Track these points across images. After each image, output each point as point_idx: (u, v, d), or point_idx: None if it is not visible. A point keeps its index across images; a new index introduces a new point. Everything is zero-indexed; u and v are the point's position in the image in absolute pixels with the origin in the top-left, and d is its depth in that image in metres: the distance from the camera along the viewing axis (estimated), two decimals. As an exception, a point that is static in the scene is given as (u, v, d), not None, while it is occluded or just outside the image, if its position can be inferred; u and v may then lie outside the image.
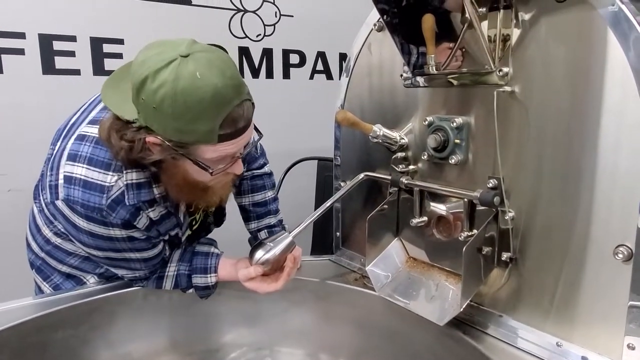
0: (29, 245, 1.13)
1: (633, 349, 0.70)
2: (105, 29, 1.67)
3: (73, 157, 0.89)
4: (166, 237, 1.01)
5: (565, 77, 0.75)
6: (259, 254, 0.96)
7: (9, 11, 1.51)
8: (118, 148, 0.80)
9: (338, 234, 1.27)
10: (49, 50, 1.58)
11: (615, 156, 0.69)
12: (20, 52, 1.55)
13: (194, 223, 1.12)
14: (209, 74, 0.74)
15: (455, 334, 0.90)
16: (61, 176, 0.88)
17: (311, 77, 2.20)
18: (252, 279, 0.99)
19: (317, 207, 1.51)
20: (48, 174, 0.92)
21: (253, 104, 0.85)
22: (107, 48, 1.68)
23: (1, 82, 1.52)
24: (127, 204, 0.88)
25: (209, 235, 1.21)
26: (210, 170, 0.84)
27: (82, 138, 0.90)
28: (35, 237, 1.10)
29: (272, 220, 1.22)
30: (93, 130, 0.89)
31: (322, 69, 2.22)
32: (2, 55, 1.51)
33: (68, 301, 1.01)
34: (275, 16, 2.06)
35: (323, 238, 1.34)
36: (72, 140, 0.91)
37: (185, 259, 1.06)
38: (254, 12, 2.00)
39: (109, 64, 1.69)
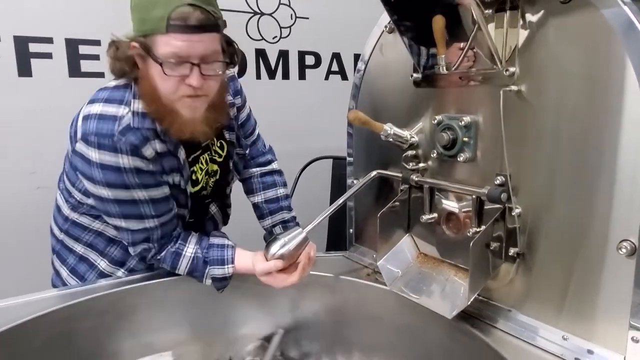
0: (51, 231, 1.22)
1: (637, 342, 0.72)
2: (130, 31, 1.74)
3: (92, 101, 1.01)
4: (170, 181, 1.06)
5: (570, 76, 0.77)
6: (275, 248, 1.00)
7: (38, 17, 1.60)
8: (112, 60, 0.99)
9: (351, 230, 1.30)
10: (75, 54, 1.66)
11: (617, 153, 0.71)
12: (48, 56, 1.63)
13: (199, 188, 1.16)
14: None
15: (464, 327, 0.92)
16: (80, 119, 0.99)
17: (326, 78, 2.26)
18: (269, 273, 1.03)
19: (332, 204, 1.54)
20: (69, 132, 1.02)
21: (220, 24, 0.95)
22: (130, 51, 1.75)
23: (30, 85, 1.61)
24: (134, 127, 0.97)
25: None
26: (165, 69, 0.91)
27: (101, 89, 1.05)
28: (56, 219, 1.19)
29: (285, 215, 1.26)
30: (111, 84, 1.05)
31: (337, 69, 2.27)
32: (32, 60, 1.60)
33: (94, 292, 1.07)
34: (291, 18, 2.12)
35: (338, 235, 1.38)
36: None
37: (203, 245, 1.09)
38: (270, 14, 2.06)
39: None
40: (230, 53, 1.01)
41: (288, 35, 2.12)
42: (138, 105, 0.99)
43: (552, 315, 0.83)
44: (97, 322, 1.06)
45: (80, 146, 0.97)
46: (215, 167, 1.19)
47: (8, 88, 1.58)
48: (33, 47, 1.60)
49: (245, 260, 1.07)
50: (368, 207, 1.23)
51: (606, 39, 0.71)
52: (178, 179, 1.07)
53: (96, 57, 1.70)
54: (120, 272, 1.18)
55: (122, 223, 1.04)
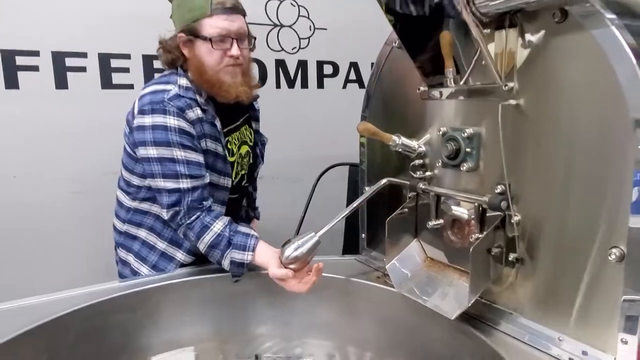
0: (114, 228, 1.40)
1: (626, 343, 0.75)
2: (155, 47, 1.85)
3: (145, 87, 1.27)
4: (211, 148, 1.27)
5: (564, 91, 0.81)
6: (289, 251, 1.07)
7: (73, 33, 1.72)
8: (163, 53, 1.28)
9: (363, 235, 1.36)
10: (107, 68, 1.78)
11: (606, 165, 0.75)
12: (83, 69, 1.75)
13: (235, 163, 1.37)
14: None
15: (467, 329, 0.97)
16: (136, 102, 1.24)
17: (344, 87, 2.32)
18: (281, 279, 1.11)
19: (348, 216, 1.60)
20: (126, 119, 1.28)
21: (243, 9, 1.27)
22: (157, 64, 1.85)
23: (66, 97, 1.73)
24: (180, 95, 1.22)
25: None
26: (213, 45, 1.20)
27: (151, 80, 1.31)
28: (118, 214, 1.38)
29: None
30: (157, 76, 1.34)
31: (355, 78, 2.33)
32: (68, 73, 1.72)
33: (125, 289, 1.16)
34: (310, 30, 2.19)
35: (354, 239, 1.44)
36: None
37: (232, 227, 1.19)
38: (289, 26, 2.14)
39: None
40: (251, 35, 1.30)
41: (307, 45, 2.19)
42: (182, 82, 1.24)
43: (549, 317, 0.88)
44: (126, 317, 1.15)
45: (138, 120, 1.21)
46: (247, 148, 1.42)
47: (46, 100, 1.70)
48: (69, 62, 1.72)
49: (264, 255, 1.15)
50: (380, 213, 1.28)
51: (596, 57, 0.75)
52: (214, 145, 1.28)
53: (126, 70, 1.81)
54: (180, 254, 1.32)
55: (161, 183, 1.20)
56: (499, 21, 0.88)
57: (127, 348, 1.15)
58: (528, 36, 0.86)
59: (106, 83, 1.79)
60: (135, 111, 1.22)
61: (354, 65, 2.32)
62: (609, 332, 0.78)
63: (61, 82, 1.72)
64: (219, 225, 1.19)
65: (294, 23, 2.16)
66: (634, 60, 0.71)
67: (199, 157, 1.23)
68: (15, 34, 1.63)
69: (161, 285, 1.20)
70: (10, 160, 1.69)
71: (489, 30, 0.89)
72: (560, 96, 0.82)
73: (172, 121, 1.19)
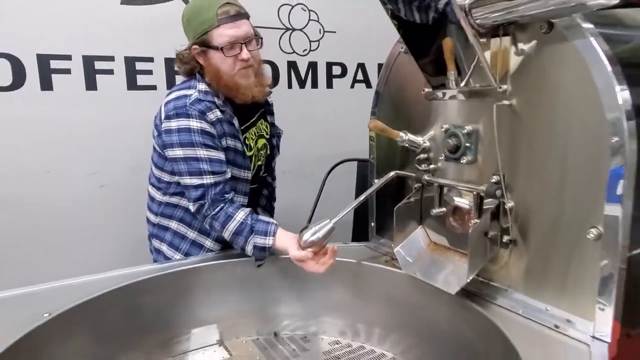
0: (148, 221, 1.52)
1: (603, 310, 0.87)
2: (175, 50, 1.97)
3: (168, 94, 1.39)
4: (231, 145, 1.38)
5: (551, 92, 0.93)
6: (307, 236, 1.19)
7: (102, 38, 1.83)
8: (181, 65, 1.40)
9: (373, 224, 1.48)
10: (132, 70, 1.89)
11: (585, 158, 0.87)
12: (110, 72, 1.86)
13: (255, 159, 1.49)
14: None
15: (467, 304, 1.08)
16: (162, 108, 1.36)
17: (352, 86, 2.42)
18: (301, 260, 1.22)
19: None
20: (154, 123, 1.41)
21: (247, 14, 1.36)
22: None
23: (95, 98, 1.84)
24: (200, 99, 1.34)
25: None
26: (225, 53, 1.30)
27: (173, 87, 1.44)
28: (150, 208, 1.50)
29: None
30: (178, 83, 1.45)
31: (362, 78, 2.44)
32: (97, 75, 1.83)
33: (158, 272, 1.27)
34: (320, 33, 2.30)
35: (363, 228, 1.56)
36: None
37: (253, 217, 1.31)
38: (300, 30, 2.25)
39: (178, 79, 1.99)
40: (258, 35, 1.41)
41: (317, 48, 2.29)
42: (202, 87, 1.36)
43: (538, 291, 0.99)
44: (159, 296, 1.26)
45: (165, 124, 1.33)
46: (264, 141, 1.54)
47: (77, 100, 1.81)
48: (98, 65, 1.83)
49: (284, 240, 1.26)
50: (387, 203, 1.40)
51: (577, 64, 0.86)
52: (233, 142, 1.40)
53: (150, 72, 1.92)
54: (208, 242, 1.45)
55: (187, 180, 1.32)
56: (494, 31, 1.00)
57: (159, 323, 1.26)
58: (520, 44, 0.97)
59: (131, 84, 1.90)
60: (162, 116, 1.34)
61: (361, 66, 2.42)
62: (588, 302, 0.89)
63: (91, 84, 1.83)
64: (242, 214, 1.30)
65: (305, 27, 2.26)
66: (608, 67, 0.82)
67: (220, 155, 1.34)
68: (50, 40, 1.74)
69: (190, 268, 1.32)
70: (45, 156, 1.80)
71: (485, 40, 1.00)
72: (547, 97, 0.93)
73: (194, 123, 1.31)
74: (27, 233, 1.80)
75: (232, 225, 1.30)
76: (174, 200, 1.45)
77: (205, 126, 1.32)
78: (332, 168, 2.08)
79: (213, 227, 1.34)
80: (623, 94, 0.81)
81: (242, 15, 1.34)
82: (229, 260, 1.37)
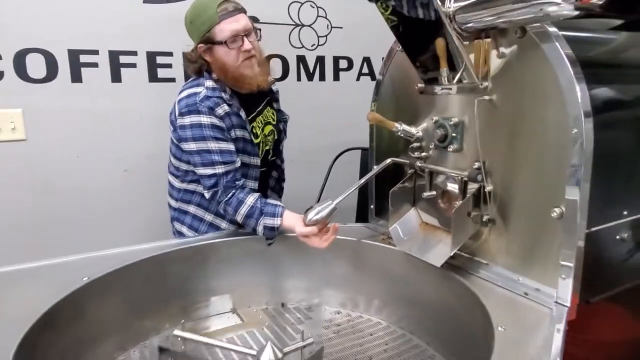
0: (169, 206, 1.68)
1: (564, 279, 1.01)
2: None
3: (180, 92, 1.52)
4: (240, 135, 1.51)
5: (525, 89, 1.05)
6: (311, 215, 1.33)
7: (126, 35, 1.97)
8: (189, 64, 1.54)
9: (372, 206, 1.62)
10: (154, 64, 2.03)
11: (552, 146, 1.00)
12: (133, 65, 2.00)
13: (262, 145, 1.63)
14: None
15: (453, 277, 1.20)
16: (176, 106, 1.49)
17: (357, 79, 2.52)
18: (306, 236, 1.36)
19: (360, 192, 1.87)
20: (170, 120, 1.55)
21: (243, 8, 1.48)
22: (194, 60, 2.12)
23: (120, 89, 1.99)
24: (208, 96, 1.46)
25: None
26: (228, 46, 1.43)
27: (183, 85, 1.57)
28: (171, 194, 1.66)
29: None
30: (188, 82, 1.58)
31: (367, 71, 2.54)
32: (121, 69, 1.98)
33: (179, 246, 1.42)
34: (327, 28, 2.40)
35: (365, 210, 1.70)
36: None
37: (262, 200, 1.44)
38: (309, 26, 2.36)
39: (194, 72, 2.14)
40: (256, 28, 1.53)
41: (324, 43, 2.39)
42: (209, 83, 1.49)
43: (512, 264, 1.12)
44: (181, 268, 1.40)
45: (179, 120, 1.47)
46: (271, 127, 1.67)
47: (104, 91, 1.95)
48: (122, 59, 1.96)
49: (291, 219, 1.40)
50: (385, 187, 1.53)
51: (545, 64, 0.99)
52: (242, 132, 1.53)
53: (169, 66, 2.06)
54: (224, 223, 1.61)
55: (201, 170, 1.46)
56: (477, 34, 1.13)
57: (181, 291, 1.41)
58: (499, 47, 1.10)
59: (152, 77, 2.04)
60: (176, 113, 1.48)
61: (366, 60, 2.52)
62: (553, 272, 1.02)
63: (116, 77, 1.97)
64: (252, 199, 1.44)
65: (313, 23, 2.36)
66: (570, 68, 0.95)
67: (230, 146, 1.47)
68: (80, 36, 1.88)
69: (208, 244, 1.46)
70: (75, 142, 1.95)
71: (467, 43, 1.13)
72: (522, 93, 1.06)
73: (205, 119, 1.44)
74: (60, 211, 1.97)
75: (243, 209, 1.44)
76: (192, 187, 1.60)
77: (215, 121, 1.45)
78: (338, 156, 2.21)
79: (226, 211, 1.48)
80: (581, 91, 0.94)
81: (239, 10, 1.46)
82: (242, 238, 1.51)
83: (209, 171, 1.45)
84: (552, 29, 0.99)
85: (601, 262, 1.04)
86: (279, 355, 1.08)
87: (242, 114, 1.53)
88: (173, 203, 1.67)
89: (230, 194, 1.45)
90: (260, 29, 1.54)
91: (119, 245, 1.38)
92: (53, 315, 1.04)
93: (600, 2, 0.85)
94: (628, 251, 1.08)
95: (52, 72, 1.88)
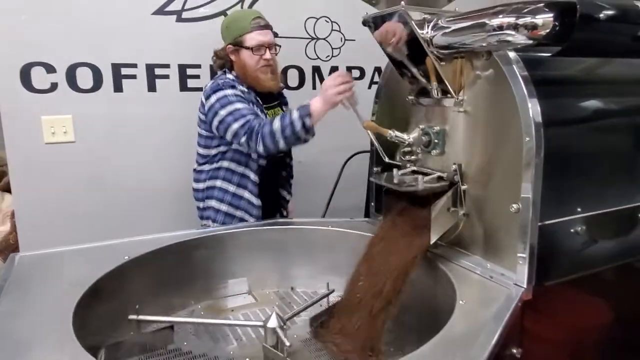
0: (196, 198, 1.97)
1: (521, 264, 1.18)
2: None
3: (206, 86, 1.85)
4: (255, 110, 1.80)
5: (491, 102, 1.24)
6: None
7: (161, 50, 2.23)
8: (217, 59, 1.91)
9: (372, 203, 1.82)
10: (184, 75, 2.29)
11: (511, 151, 1.18)
12: (166, 77, 2.27)
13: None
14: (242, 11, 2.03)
15: (435, 263, 1.38)
16: (203, 95, 1.82)
17: (369, 87, 2.70)
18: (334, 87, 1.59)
19: (369, 190, 2.06)
20: (199, 111, 1.89)
21: (271, 26, 1.87)
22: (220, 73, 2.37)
23: (155, 98, 2.25)
24: (230, 80, 1.82)
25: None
26: (253, 52, 1.78)
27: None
28: (198, 178, 1.95)
29: None
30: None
31: (378, 80, 2.75)
32: (156, 80, 2.25)
33: (204, 234, 1.65)
34: (341, 41, 2.61)
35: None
36: None
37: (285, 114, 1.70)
38: (324, 39, 2.57)
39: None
40: (277, 44, 1.89)
41: (338, 54, 2.62)
42: (230, 76, 1.85)
43: (484, 251, 1.30)
44: (205, 253, 1.61)
45: (207, 104, 1.78)
46: None
47: (141, 100, 2.21)
48: (157, 71, 2.22)
49: (315, 99, 1.65)
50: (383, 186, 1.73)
51: (504, 83, 1.17)
52: (258, 111, 1.82)
53: (197, 77, 2.31)
54: (247, 193, 1.90)
55: (234, 125, 1.70)
56: (454, 55, 1.32)
57: (204, 273, 1.62)
58: (471, 64, 1.29)
59: (183, 87, 2.29)
60: (203, 100, 1.79)
61: (377, 70, 2.70)
62: (513, 258, 1.20)
63: (151, 87, 2.23)
64: (277, 119, 1.67)
65: (328, 36, 2.57)
66: (523, 86, 1.13)
67: (253, 108, 1.78)
68: (121, 52, 2.15)
69: (228, 232, 1.68)
70: (117, 144, 2.22)
71: (444, 63, 1.32)
72: (489, 106, 1.25)
73: (228, 91, 1.75)
74: (104, 202, 2.25)
75: (277, 122, 1.66)
76: (218, 165, 1.89)
77: (237, 92, 1.77)
78: (349, 159, 2.38)
79: (263, 137, 1.65)
80: (533, 106, 1.12)
81: (268, 26, 1.85)
82: (258, 228, 1.73)
83: (241, 122, 1.69)
84: (512, 54, 1.17)
85: (556, 251, 1.21)
86: (282, 323, 1.29)
87: (259, 100, 1.86)
88: (201, 186, 1.94)
89: (259, 124, 1.68)
90: (280, 45, 1.89)
91: (151, 233, 1.61)
92: (100, 286, 1.28)
93: (544, 34, 1.04)
94: (582, 243, 1.25)
95: (97, 83, 2.16)
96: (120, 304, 1.35)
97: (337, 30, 2.60)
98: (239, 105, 1.73)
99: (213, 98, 1.75)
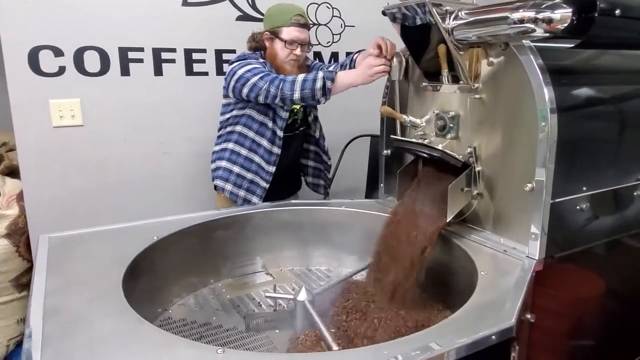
0: (213, 159, 2.05)
1: (534, 239, 1.29)
2: (224, 43, 2.39)
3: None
4: None
5: (506, 89, 1.33)
6: None
7: (167, 34, 2.25)
8: (252, 42, 1.99)
9: (382, 184, 1.91)
10: (190, 59, 2.31)
11: (526, 134, 1.29)
12: (172, 61, 2.28)
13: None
14: (288, 4, 1.94)
15: (450, 239, 1.47)
16: (228, 68, 1.90)
17: (369, 73, 2.81)
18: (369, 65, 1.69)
19: (369, 173, 2.14)
20: (225, 86, 1.94)
21: (309, 26, 1.97)
22: (225, 56, 2.39)
23: (161, 82, 2.27)
24: (257, 56, 1.92)
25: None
26: (286, 45, 1.88)
27: None
28: (212, 157, 2.04)
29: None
30: None
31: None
32: (163, 64, 2.27)
33: (223, 215, 1.71)
34: (341, 27, 2.67)
35: (373, 189, 1.98)
36: None
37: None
38: (325, 25, 2.63)
39: (225, 67, 2.41)
40: (311, 44, 1.99)
41: (339, 40, 2.67)
42: (260, 59, 1.92)
43: (496, 228, 1.41)
44: (225, 233, 1.68)
45: (231, 70, 1.85)
46: (298, 106, 2.02)
47: (148, 83, 2.23)
48: (163, 55, 2.24)
49: (344, 73, 1.79)
50: (393, 168, 1.82)
51: (521, 71, 1.26)
52: None
53: (203, 61, 2.34)
54: (257, 157, 1.96)
55: (255, 78, 1.78)
56: (470, 44, 1.40)
57: (224, 252, 1.69)
58: (488, 56, 1.38)
59: (189, 71, 2.31)
60: (229, 71, 1.87)
61: (376, 56, 2.81)
62: (526, 233, 1.30)
63: (158, 71, 2.25)
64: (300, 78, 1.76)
65: (329, 22, 2.62)
66: (540, 75, 1.22)
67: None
68: (128, 36, 2.15)
69: (247, 213, 1.75)
70: (123, 127, 2.24)
71: (462, 53, 1.41)
72: (504, 93, 1.34)
73: (252, 61, 1.85)
74: (110, 185, 2.27)
75: (300, 75, 1.77)
76: (231, 128, 1.97)
77: (260, 64, 1.85)
78: (350, 142, 2.48)
79: (284, 81, 1.75)
80: (548, 93, 1.21)
81: (307, 26, 1.94)
82: (275, 209, 1.80)
83: (261, 74, 1.78)
84: (528, 44, 1.26)
85: (564, 226, 1.33)
86: (310, 297, 1.38)
87: None
88: (216, 148, 2.02)
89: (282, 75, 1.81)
90: (312, 45, 2.00)
91: (157, 216, 1.65)
92: (137, 263, 1.34)
93: (562, 28, 1.13)
94: (587, 219, 1.37)
95: (105, 66, 2.16)
96: (150, 281, 1.41)
97: (337, 17, 2.66)
98: (257, 64, 1.82)
99: (236, 65, 1.84)
